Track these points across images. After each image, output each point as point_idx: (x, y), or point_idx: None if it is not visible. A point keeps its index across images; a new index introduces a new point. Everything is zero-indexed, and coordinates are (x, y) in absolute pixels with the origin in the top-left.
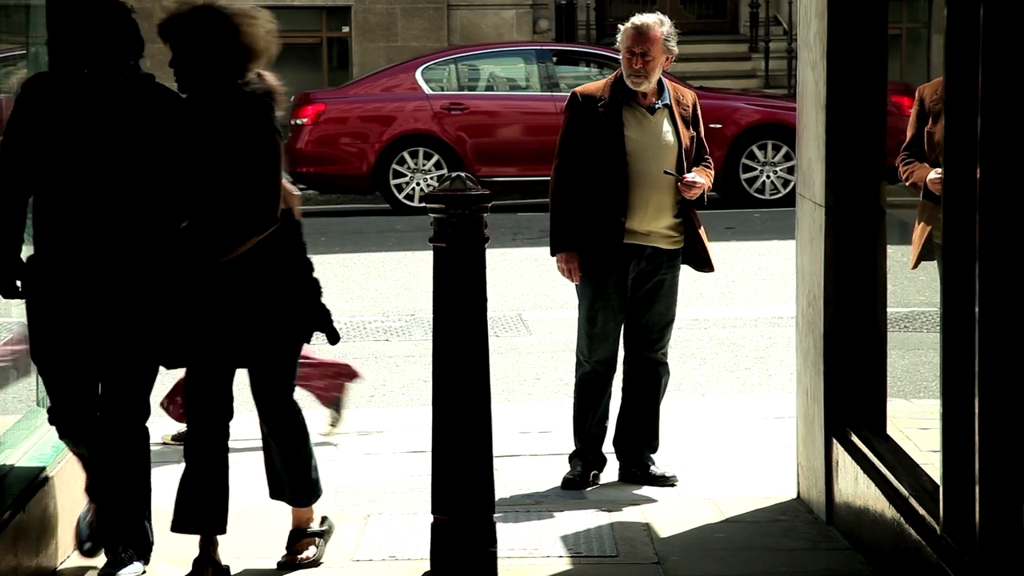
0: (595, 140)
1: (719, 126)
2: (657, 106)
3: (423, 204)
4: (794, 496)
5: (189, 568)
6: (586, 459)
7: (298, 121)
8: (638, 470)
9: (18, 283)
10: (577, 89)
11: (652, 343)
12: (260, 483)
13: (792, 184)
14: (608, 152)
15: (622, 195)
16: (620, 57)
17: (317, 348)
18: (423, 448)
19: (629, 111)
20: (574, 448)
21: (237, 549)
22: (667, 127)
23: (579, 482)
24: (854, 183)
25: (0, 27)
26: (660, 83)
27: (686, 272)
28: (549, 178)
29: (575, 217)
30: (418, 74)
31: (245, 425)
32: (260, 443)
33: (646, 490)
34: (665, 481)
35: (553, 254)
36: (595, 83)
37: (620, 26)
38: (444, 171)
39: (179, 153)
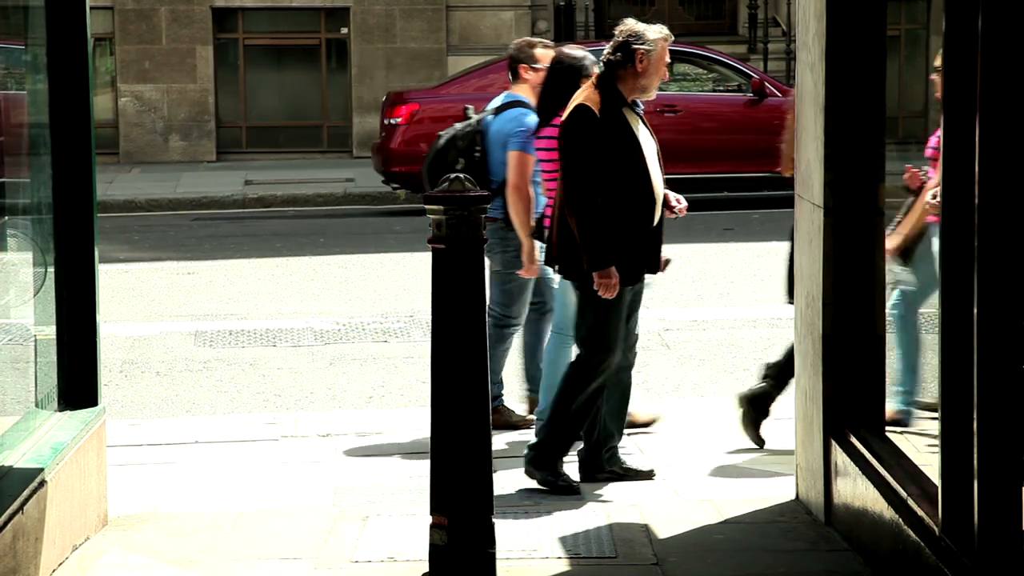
0: (616, 149)
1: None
2: (640, 109)
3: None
4: (793, 497)
5: (188, 569)
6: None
7: (392, 121)
8: (618, 468)
9: None
10: (584, 101)
11: (631, 347)
12: (259, 483)
13: None
14: (629, 159)
15: (650, 201)
16: (645, 63)
17: None
18: (422, 449)
19: (630, 115)
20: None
21: (237, 550)
22: (645, 128)
23: (577, 483)
24: (853, 184)
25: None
26: None
27: (686, 273)
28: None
29: (611, 230)
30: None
31: (245, 425)
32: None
33: (645, 491)
34: (639, 474)
35: (594, 270)
36: (585, 93)
37: (645, 31)
38: None
39: None
